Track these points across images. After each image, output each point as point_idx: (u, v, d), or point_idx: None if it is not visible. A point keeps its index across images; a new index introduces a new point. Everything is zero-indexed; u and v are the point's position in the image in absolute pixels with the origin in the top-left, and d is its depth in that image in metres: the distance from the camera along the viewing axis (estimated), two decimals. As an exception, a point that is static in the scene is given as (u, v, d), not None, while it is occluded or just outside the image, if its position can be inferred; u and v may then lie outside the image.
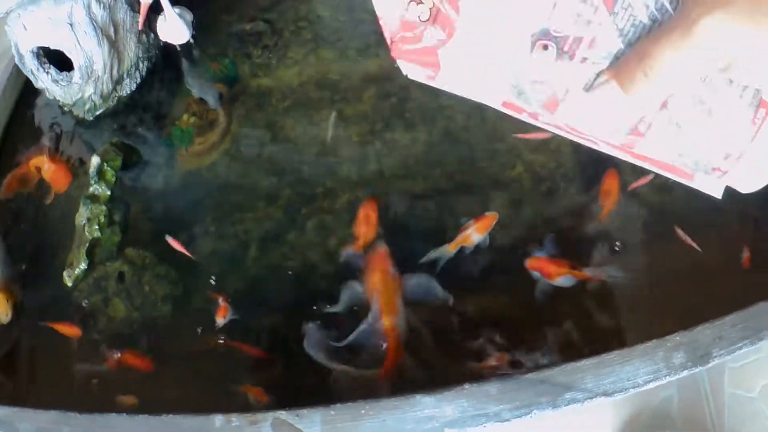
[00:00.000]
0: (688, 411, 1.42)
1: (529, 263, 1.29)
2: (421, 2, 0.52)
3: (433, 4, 0.52)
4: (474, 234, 1.33)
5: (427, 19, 0.52)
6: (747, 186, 0.54)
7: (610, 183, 1.38)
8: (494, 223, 1.34)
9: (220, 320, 1.32)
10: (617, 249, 1.30)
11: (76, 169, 1.60)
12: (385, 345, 1.23)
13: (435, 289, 1.30)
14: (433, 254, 1.33)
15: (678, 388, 1.44)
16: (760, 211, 1.35)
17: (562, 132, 0.53)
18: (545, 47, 0.50)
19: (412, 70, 0.55)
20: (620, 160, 0.53)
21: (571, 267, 1.27)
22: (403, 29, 0.54)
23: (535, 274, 1.28)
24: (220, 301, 1.33)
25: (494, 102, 0.53)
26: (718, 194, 0.54)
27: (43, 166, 1.55)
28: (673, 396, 1.44)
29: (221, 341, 1.30)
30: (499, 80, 0.52)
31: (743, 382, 1.44)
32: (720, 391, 1.44)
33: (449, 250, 1.33)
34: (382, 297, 1.27)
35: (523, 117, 0.54)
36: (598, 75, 0.50)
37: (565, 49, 0.51)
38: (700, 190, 0.54)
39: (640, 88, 0.46)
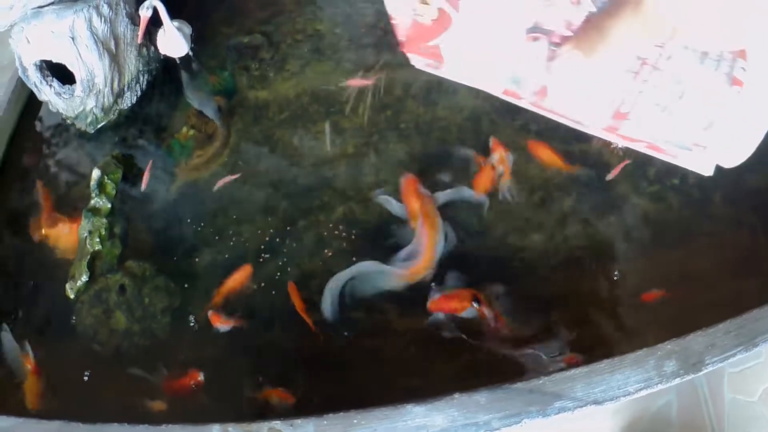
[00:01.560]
0: (688, 416, 1.42)
1: (430, 305, 1.28)
2: (428, 3, 0.60)
3: (439, 5, 0.60)
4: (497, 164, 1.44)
5: (435, 19, 0.60)
6: (730, 160, 0.58)
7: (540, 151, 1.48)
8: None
9: (222, 327, 1.35)
10: (616, 277, 1.30)
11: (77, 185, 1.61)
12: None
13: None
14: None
15: (677, 393, 1.44)
16: (755, 216, 1.35)
17: (558, 117, 0.59)
18: (536, 39, 0.58)
19: (420, 63, 0.63)
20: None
21: (473, 299, 1.27)
22: (413, 27, 0.62)
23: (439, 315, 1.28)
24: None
25: (496, 90, 0.61)
26: (709, 171, 0.58)
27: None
28: (672, 401, 1.44)
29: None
30: (498, 70, 0.60)
31: (743, 386, 1.44)
32: (720, 396, 1.43)
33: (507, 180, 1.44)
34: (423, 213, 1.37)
35: (523, 104, 0.61)
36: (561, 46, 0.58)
37: (554, 40, 0.58)
38: (688, 168, 0.58)
39: (600, 56, 0.55)
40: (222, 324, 1.34)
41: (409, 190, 1.42)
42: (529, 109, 0.62)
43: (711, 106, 0.58)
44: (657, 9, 0.51)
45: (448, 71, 0.62)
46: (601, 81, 0.59)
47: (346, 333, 1.29)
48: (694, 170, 0.60)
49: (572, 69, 0.57)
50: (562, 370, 1.00)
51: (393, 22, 0.63)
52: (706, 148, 0.60)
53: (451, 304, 1.27)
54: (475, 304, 1.26)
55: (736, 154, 0.60)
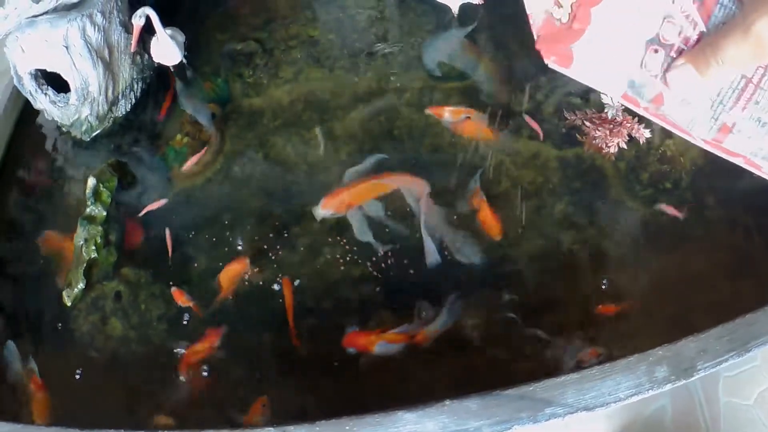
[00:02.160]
0: (682, 420, 1.43)
1: (344, 340, 1.29)
2: (561, 6, 0.67)
3: (571, 9, 0.66)
4: None
5: (567, 22, 0.67)
6: None
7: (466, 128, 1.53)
8: None
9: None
10: (604, 284, 1.30)
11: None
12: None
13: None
14: None
15: (671, 397, 1.44)
16: (750, 219, 1.35)
17: (668, 125, 0.69)
18: (656, 51, 0.65)
19: (551, 61, 0.69)
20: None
21: (381, 332, 1.28)
22: (547, 27, 0.68)
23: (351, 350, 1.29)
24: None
25: (616, 94, 0.66)
26: None
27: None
28: (666, 406, 1.44)
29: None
30: (620, 76, 0.64)
31: (739, 390, 1.44)
32: (715, 400, 1.44)
33: None
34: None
35: (639, 110, 0.70)
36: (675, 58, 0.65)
37: (672, 54, 0.65)
38: None
39: (712, 72, 0.61)
40: (184, 303, 1.39)
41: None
42: (644, 115, 0.69)
43: None
44: (764, 35, 0.57)
45: (575, 72, 0.68)
46: (710, 95, 0.66)
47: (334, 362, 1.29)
48: None
49: (685, 81, 0.64)
50: (553, 376, 1.00)
51: (530, 19, 0.69)
52: None
53: (361, 341, 1.28)
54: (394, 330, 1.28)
55: None
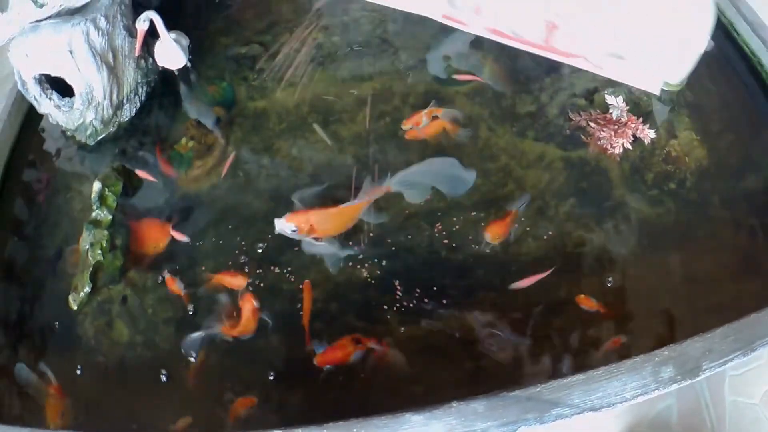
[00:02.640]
0: (688, 420, 1.42)
1: (317, 360, 1.28)
2: None
3: None
4: None
5: None
6: (673, 74, 0.59)
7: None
8: None
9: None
10: (610, 283, 1.31)
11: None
12: None
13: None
14: None
15: (677, 397, 1.44)
16: (755, 219, 1.35)
17: (494, 36, 0.61)
18: None
19: None
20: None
21: (356, 342, 1.28)
22: None
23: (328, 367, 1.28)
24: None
25: (435, 14, 0.62)
26: (656, 90, 0.60)
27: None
28: (673, 406, 1.44)
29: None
30: None
31: (744, 388, 1.44)
32: (720, 399, 1.44)
33: None
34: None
35: (465, 28, 0.61)
36: None
37: None
38: (635, 86, 0.60)
39: None
40: (175, 291, 1.40)
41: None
42: (468, 31, 0.63)
43: (645, 17, 0.59)
44: None
45: None
46: None
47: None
48: (642, 88, 0.62)
49: None
50: (560, 377, 1.01)
51: None
52: (646, 60, 0.62)
53: (337, 354, 1.27)
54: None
55: (677, 68, 0.62)
